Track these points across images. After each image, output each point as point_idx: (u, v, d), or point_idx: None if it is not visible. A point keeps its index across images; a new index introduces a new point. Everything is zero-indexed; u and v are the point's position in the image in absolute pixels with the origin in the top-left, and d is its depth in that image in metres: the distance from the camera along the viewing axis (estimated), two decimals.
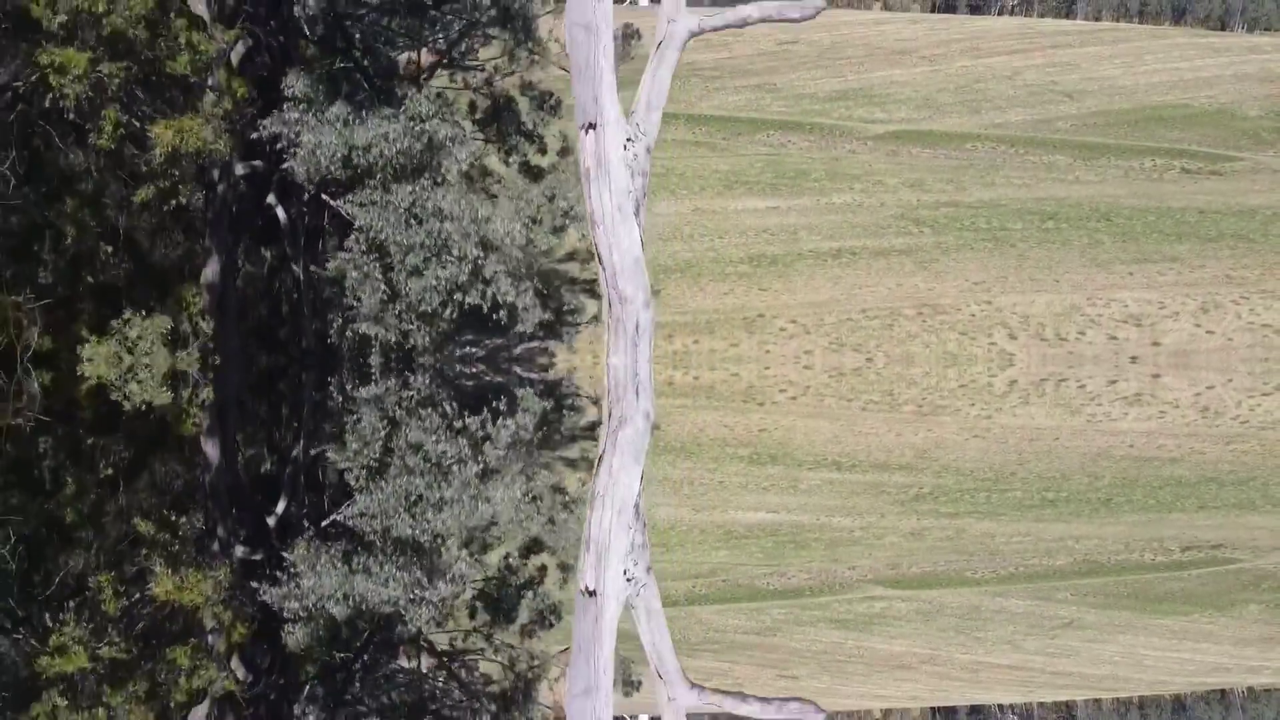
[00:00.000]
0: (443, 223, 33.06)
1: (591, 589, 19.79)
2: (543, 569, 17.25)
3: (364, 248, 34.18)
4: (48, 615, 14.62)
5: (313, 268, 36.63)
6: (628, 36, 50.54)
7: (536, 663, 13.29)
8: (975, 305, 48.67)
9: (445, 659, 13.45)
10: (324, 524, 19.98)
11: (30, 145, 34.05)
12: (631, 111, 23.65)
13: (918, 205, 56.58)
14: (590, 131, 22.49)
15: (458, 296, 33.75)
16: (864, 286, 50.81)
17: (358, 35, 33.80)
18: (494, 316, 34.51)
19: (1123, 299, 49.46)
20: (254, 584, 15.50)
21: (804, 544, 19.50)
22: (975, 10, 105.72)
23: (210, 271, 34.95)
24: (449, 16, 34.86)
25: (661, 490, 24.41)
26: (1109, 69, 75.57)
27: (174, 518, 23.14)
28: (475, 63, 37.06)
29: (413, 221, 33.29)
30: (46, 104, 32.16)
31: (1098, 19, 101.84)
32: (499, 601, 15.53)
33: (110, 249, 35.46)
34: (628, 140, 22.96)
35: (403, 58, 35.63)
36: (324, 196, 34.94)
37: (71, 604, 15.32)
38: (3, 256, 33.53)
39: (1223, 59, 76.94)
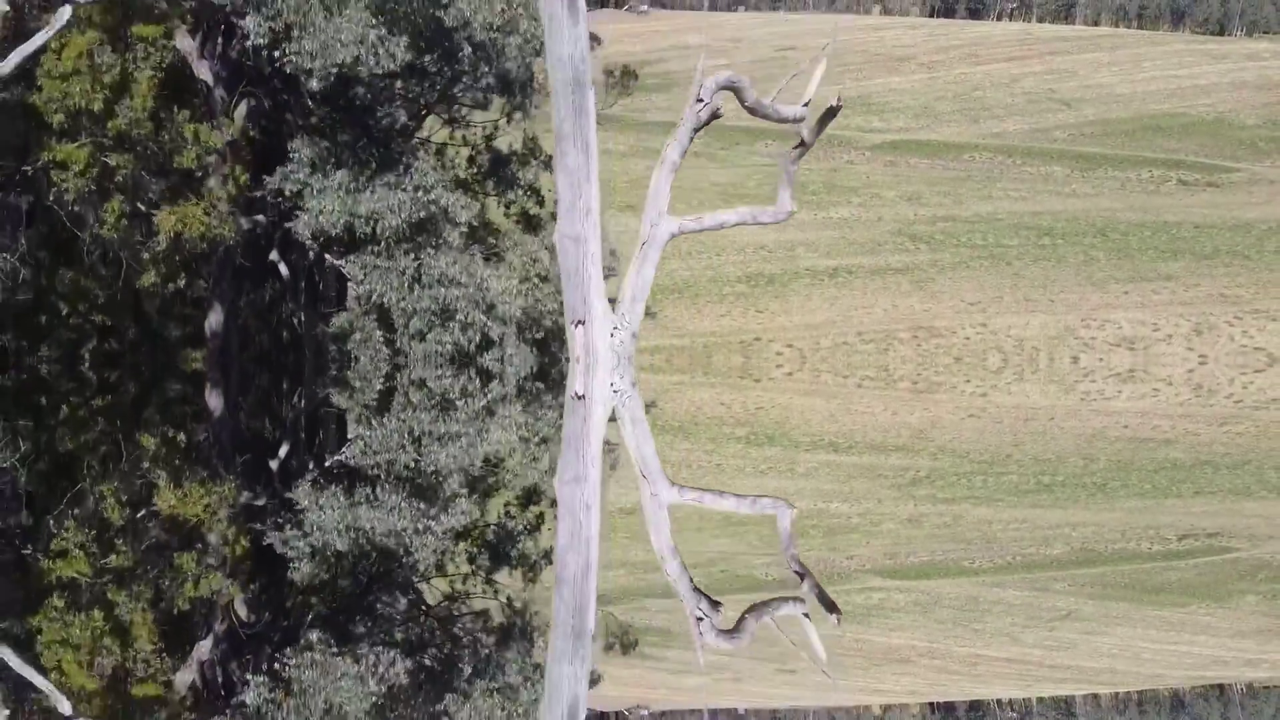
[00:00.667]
0: (447, 288, 32.87)
1: (581, 394, 21.19)
2: (540, 517, 17.07)
3: (364, 309, 34.04)
4: (52, 522, 14.46)
5: (319, 328, 36.48)
6: (626, 75, 50.14)
7: (535, 609, 13.09)
8: (970, 328, 48.12)
9: (445, 600, 13.25)
10: (328, 464, 19.82)
11: (44, 222, 34.07)
12: (617, 303, 25.38)
13: (914, 220, 56.06)
14: (579, 326, 24.07)
15: (468, 367, 33.62)
16: (860, 308, 50.27)
17: (360, 93, 33.44)
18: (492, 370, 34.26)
19: (1116, 320, 48.95)
20: (257, 525, 15.32)
21: (802, 531, 19.22)
22: (974, 14, 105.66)
23: (214, 320, 34.87)
24: (449, 80, 34.46)
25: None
26: (1107, 76, 74.90)
27: (174, 435, 22.97)
28: (474, 105, 36.77)
29: (416, 286, 33.04)
30: (51, 196, 32.13)
31: (1096, 22, 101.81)
32: (497, 547, 15.36)
33: (112, 320, 35.41)
34: (614, 329, 24.53)
35: (403, 113, 35.22)
36: (327, 256, 34.76)
37: (74, 511, 15.17)
38: (10, 334, 33.46)
39: (1221, 66, 76.29)
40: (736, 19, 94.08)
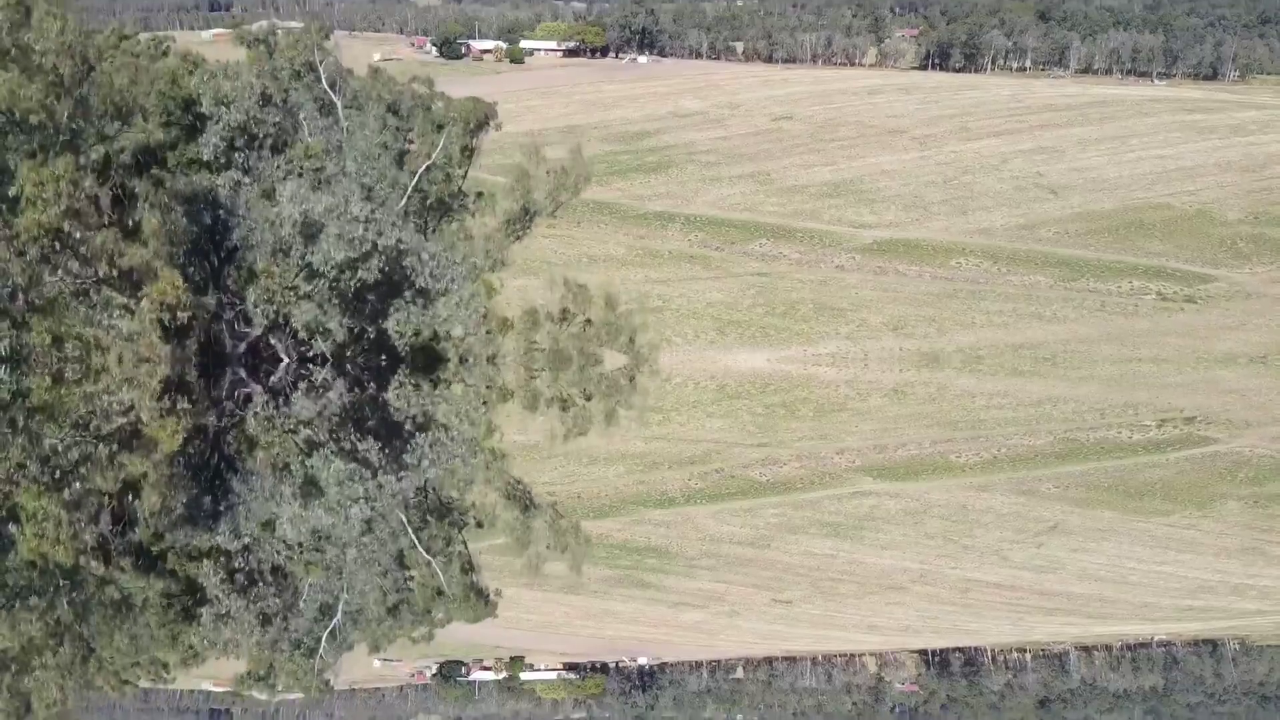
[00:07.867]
0: None
1: None
2: None
3: None
4: None
5: None
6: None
7: None
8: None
9: None
10: None
11: None
12: None
13: (900, 356, 52.65)
14: None
15: None
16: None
17: None
18: None
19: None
20: None
21: (793, 409, 18.14)
22: (969, 59, 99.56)
23: None
24: None
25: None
26: (1094, 157, 69.85)
27: None
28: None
29: None
30: None
31: (1089, 67, 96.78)
32: None
33: None
34: None
35: None
36: None
37: None
38: None
39: (1207, 143, 71.41)
40: (733, 76, 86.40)
